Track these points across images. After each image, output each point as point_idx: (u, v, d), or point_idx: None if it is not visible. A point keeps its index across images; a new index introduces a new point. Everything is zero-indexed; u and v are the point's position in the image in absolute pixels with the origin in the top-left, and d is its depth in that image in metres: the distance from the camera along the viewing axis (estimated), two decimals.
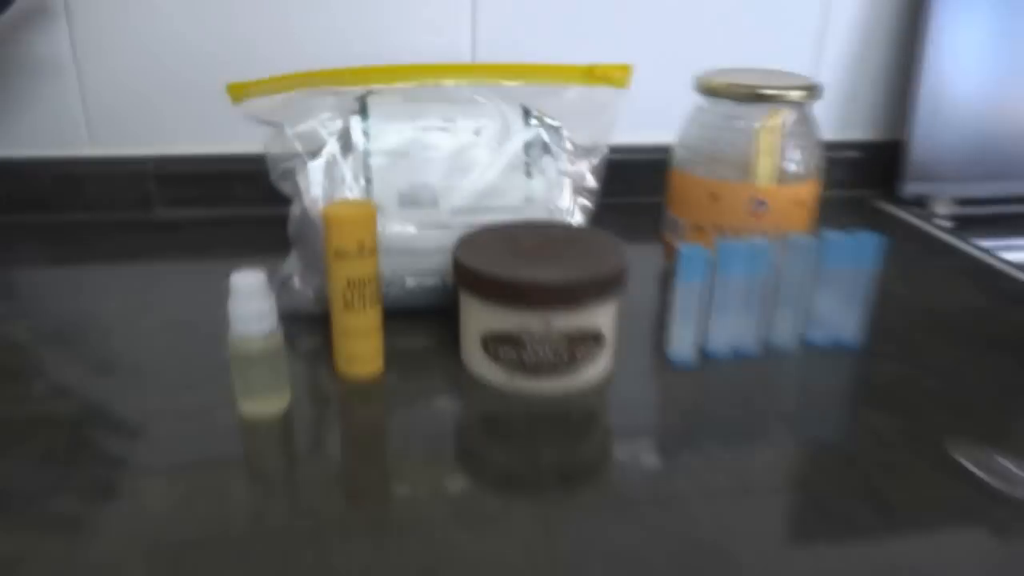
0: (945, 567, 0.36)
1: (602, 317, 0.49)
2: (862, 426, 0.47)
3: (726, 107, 0.60)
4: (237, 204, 0.77)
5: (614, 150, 0.62)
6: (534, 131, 0.57)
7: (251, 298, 0.43)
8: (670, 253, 0.67)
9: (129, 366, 0.51)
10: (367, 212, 0.47)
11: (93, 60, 0.72)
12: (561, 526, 0.38)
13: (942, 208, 0.85)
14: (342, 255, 0.47)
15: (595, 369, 0.50)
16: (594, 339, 0.49)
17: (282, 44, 0.74)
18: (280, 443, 0.44)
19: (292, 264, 0.56)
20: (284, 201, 0.60)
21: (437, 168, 0.54)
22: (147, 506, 0.39)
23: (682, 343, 0.53)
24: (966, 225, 0.82)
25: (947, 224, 0.82)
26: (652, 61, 0.75)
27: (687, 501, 0.40)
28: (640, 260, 0.64)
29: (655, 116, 0.72)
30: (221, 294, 0.44)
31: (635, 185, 0.77)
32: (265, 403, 0.46)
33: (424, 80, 0.55)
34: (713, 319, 0.53)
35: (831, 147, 0.85)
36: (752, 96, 0.59)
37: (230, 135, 0.75)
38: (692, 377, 0.52)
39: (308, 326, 0.55)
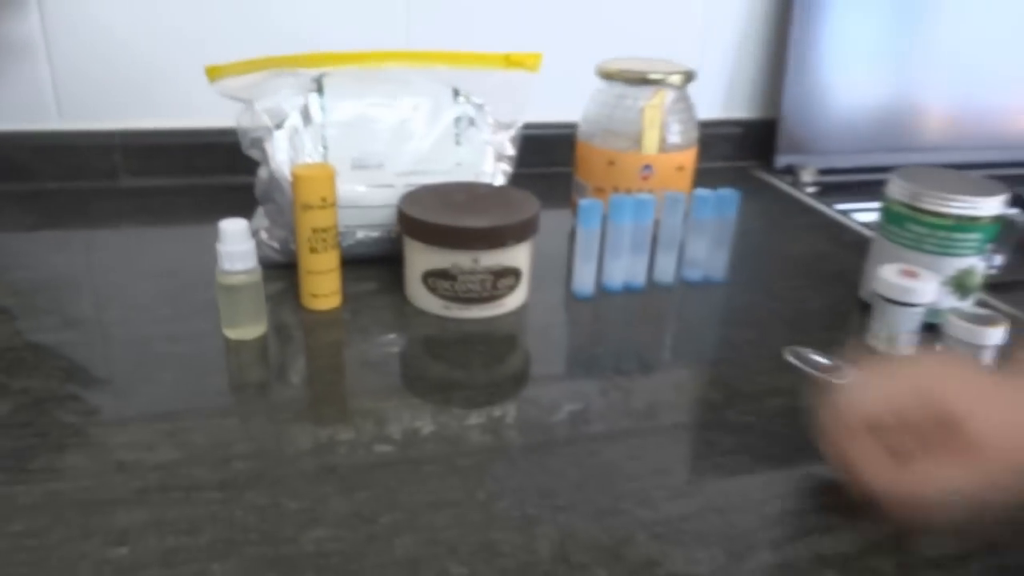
0: (767, 426, 0.50)
1: (520, 256, 0.61)
2: (721, 339, 0.61)
3: (619, 89, 0.73)
4: (198, 174, 0.86)
5: (531, 126, 0.74)
6: (462, 107, 0.68)
7: (237, 239, 0.53)
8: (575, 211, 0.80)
9: (124, 304, 0.61)
10: (327, 172, 0.58)
11: (62, 40, 0.80)
12: (485, 427, 0.50)
13: (808, 176, 1.00)
14: (308, 207, 0.57)
15: (514, 299, 0.63)
16: (513, 274, 0.61)
17: (243, 25, 0.83)
18: (259, 361, 0.55)
19: (259, 220, 0.67)
20: (240, 171, 0.70)
21: (382, 137, 0.65)
22: (148, 405, 0.49)
23: (584, 279, 0.66)
24: (828, 191, 0.98)
25: (811, 190, 0.98)
26: (561, 50, 0.87)
27: (588, 401, 0.53)
28: (553, 218, 0.77)
29: (564, 97, 0.85)
30: (192, 250, 0.54)
31: (550, 157, 0.89)
32: (247, 330, 0.56)
33: (370, 64, 0.66)
34: (608, 260, 0.66)
35: (716, 124, 1.00)
36: (640, 80, 0.73)
37: (192, 110, 0.84)
38: (592, 306, 0.65)
39: (274, 273, 0.65)
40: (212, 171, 0.86)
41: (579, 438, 0.48)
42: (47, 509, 0.40)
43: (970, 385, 0.37)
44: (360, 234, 0.66)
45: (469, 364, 0.55)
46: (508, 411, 0.50)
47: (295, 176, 0.57)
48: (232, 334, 0.56)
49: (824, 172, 1.01)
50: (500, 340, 0.59)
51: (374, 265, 0.68)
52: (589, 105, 0.76)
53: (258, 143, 0.64)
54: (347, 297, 0.63)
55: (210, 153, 0.86)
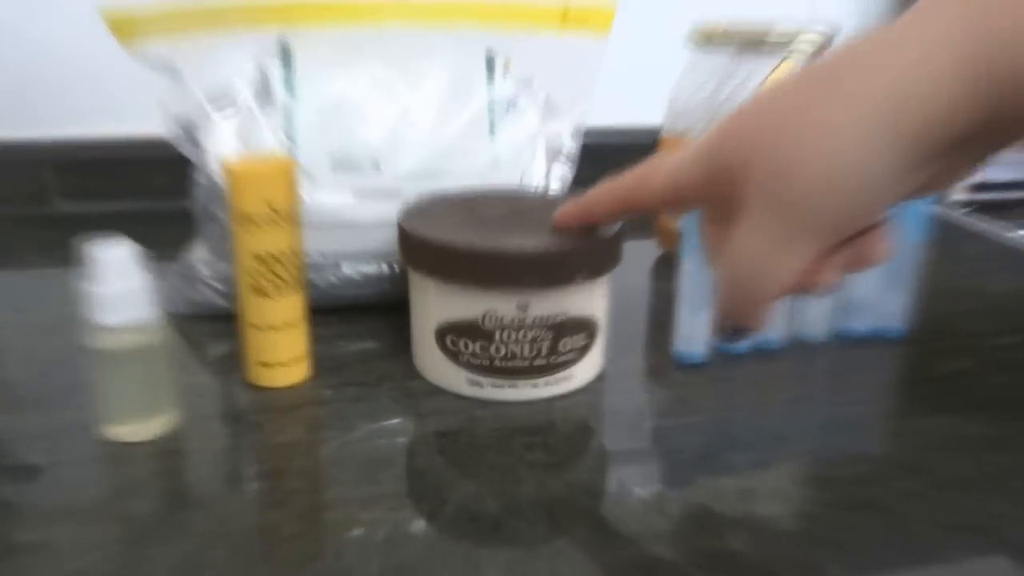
0: None
1: (594, 301, 0.38)
2: (914, 431, 0.36)
3: (727, 59, 0.51)
4: (155, 196, 0.65)
5: (591, 133, 0.52)
6: (499, 84, 0.46)
7: (119, 273, 0.31)
8: (666, 238, 0.57)
9: None
10: (281, 167, 0.35)
11: None
12: None
13: (958, 193, 0.76)
14: (248, 221, 0.35)
15: (584, 371, 0.39)
16: (585, 329, 0.38)
17: None
18: (159, 478, 0.32)
19: (197, 251, 0.45)
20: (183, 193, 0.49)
21: (379, 126, 0.43)
22: None
23: (692, 336, 0.42)
24: (986, 210, 0.74)
25: (964, 210, 0.73)
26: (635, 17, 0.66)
27: (720, 538, 0.29)
28: (630, 253, 0.54)
29: (635, 87, 0.62)
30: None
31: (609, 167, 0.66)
32: (139, 425, 0.34)
33: (360, 19, 0.45)
34: None
35: None
36: (757, 44, 0.50)
37: (146, 114, 0.64)
38: (708, 378, 0.41)
39: (218, 327, 0.43)
40: (175, 193, 0.64)
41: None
42: None
43: (762, 111, 0.27)
44: (346, 268, 0.44)
45: (514, 479, 0.32)
46: (581, 543, 0.27)
47: (228, 175, 0.35)
48: (116, 432, 0.34)
49: (976, 188, 0.77)
50: (563, 439, 0.35)
51: (367, 316, 0.45)
52: (681, 85, 0.54)
53: (191, 134, 0.42)
54: (324, 364, 0.40)
55: (173, 169, 0.64)
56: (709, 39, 0.52)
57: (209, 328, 0.44)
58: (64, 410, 0.36)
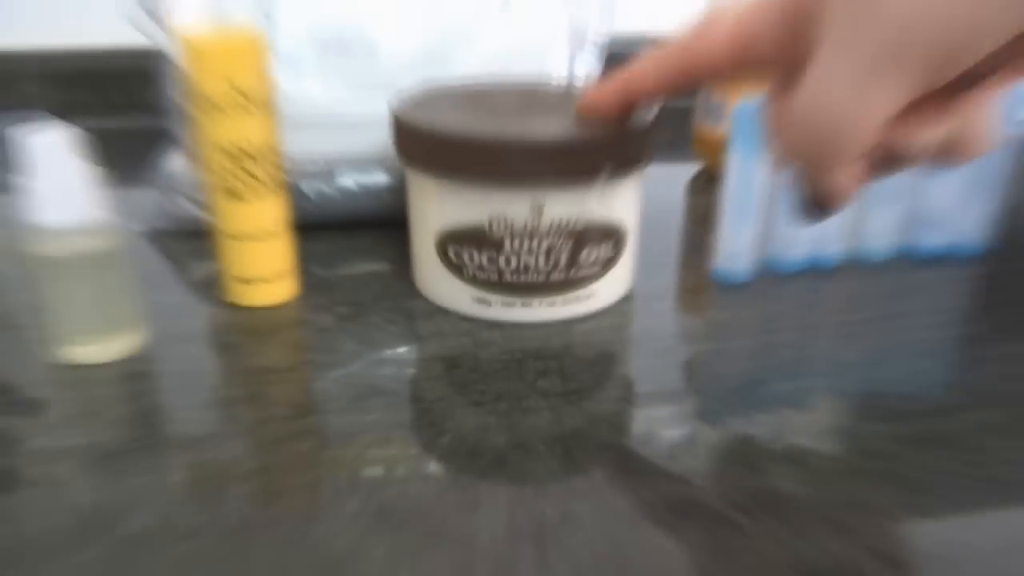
0: None
1: (623, 205, 0.32)
2: (991, 359, 0.31)
3: None
4: (114, 114, 0.60)
5: (619, 43, 0.45)
6: None
7: (56, 164, 0.26)
8: (706, 150, 0.50)
9: None
10: (249, 41, 0.30)
11: None
12: (561, 534, 0.22)
13: None
14: (212, 107, 0.30)
15: (611, 288, 0.34)
16: (612, 238, 0.32)
17: None
18: (119, 404, 0.28)
19: (174, 159, 0.40)
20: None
21: (374, 3, 0.37)
22: None
23: (736, 251, 0.36)
24: None
25: None
26: None
27: (747, 475, 0.24)
28: (663, 170, 0.48)
29: None
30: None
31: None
32: (95, 345, 0.29)
33: None
34: (782, 216, 0.36)
35: None
36: None
37: (100, 19, 0.58)
38: (749, 300, 0.35)
39: (202, 245, 0.38)
40: (136, 109, 0.59)
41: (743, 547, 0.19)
42: None
43: None
44: (340, 176, 0.38)
45: (524, 409, 0.27)
46: (605, 504, 0.22)
47: (186, 49, 0.30)
48: (69, 353, 0.29)
49: None
50: (583, 366, 0.30)
51: (362, 233, 0.40)
52: None
53: (151, 8, 0.37)
54: (312, 285, 0.35)
55: (134, 82, 0.59)
56: None
57: (191, 246, 0.39)
58: (8, 330, 0.32)
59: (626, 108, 0.29)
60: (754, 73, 0.26)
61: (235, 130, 0.30)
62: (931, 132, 0.23)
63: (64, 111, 0.59)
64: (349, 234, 0.40)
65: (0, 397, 0.28)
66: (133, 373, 0.29)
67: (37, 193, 0.27)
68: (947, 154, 0.24)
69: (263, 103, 0.30)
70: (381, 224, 0.40)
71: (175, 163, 0.40)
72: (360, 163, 0.38)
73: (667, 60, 0.27)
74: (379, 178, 0.39)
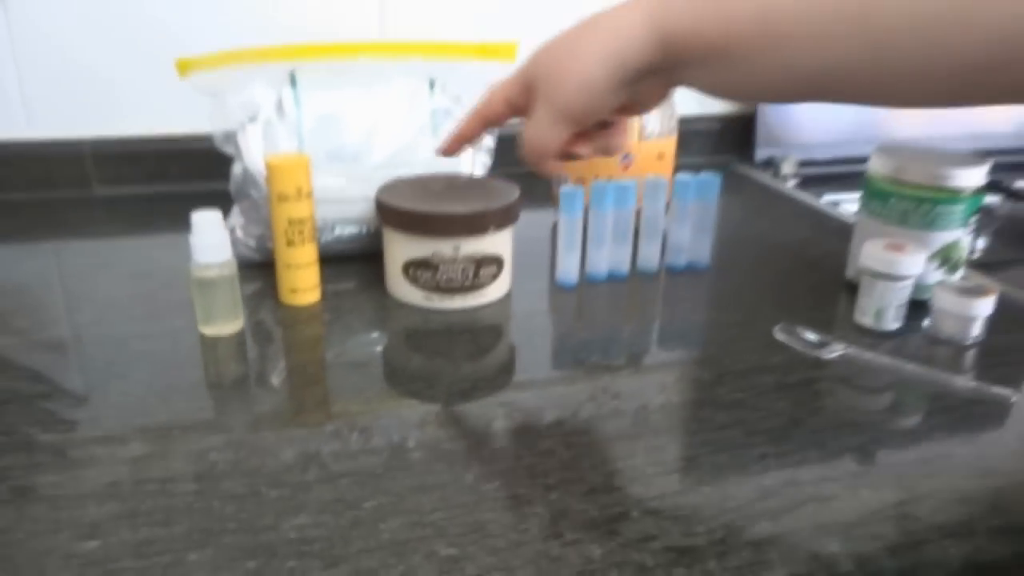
0: (758, 402, 0.49)
1: (501, 244, 0.60)
2: (710, 322, 0.60)
3: None
4: (170, 181, 0.84)
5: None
6: (438, 99, 0.68)
7: (210, 230, 0.52)
8: (558, 204, 0.79)
9: (97, 305, 0.59)
10: (303, 161, 0.56)
11: (29, 44, 0.79)
12: (471, 415, 0.49)
13: (788, 168, 1.00)
14: (284, 198, 0.56)
15: (497, 289, 0.61)
16: (495, 262, 0.60)
17: (213, 24, 0.82)
18: (237, 356, 0.53)
19: (235, 218, 0.65)
20: (213, 177, 0.69)
21: (358, 130, 0.64)
22: (120, 401, 0.47)
23: (568, 268, 0.65)
24: (808, 182, 0.98)
25: (792, 181, 0.98)
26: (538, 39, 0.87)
27: (577, 386, 0.52)
28: (534, 214, 0.76)
29: None
30: (165, 254, 0.52)
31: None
32: (223, 326, 0.55)
33: (344, 56, 0.65)
34: (591, 248, 0.65)
35: (694, 120, 1.00)
36: None
37: (163, 117, 0.83)
38: (577, 295, 0.64)
39: (250, 272, 0.64)
40: (184, 177, 0.84)
41: (568, 420, 0.47)
42: (13, 505, 0.38)
43: (551, 45, 0.45)
44: (338, 229, 0.65)
45: (453, 355, 0.54)
46: (495, 399, 0.49)
47: (269, 166, 0.56)
48: (208, 330, 0.55)
49: (804, 164, 1.01)
50: (484, 330, 0.58)
51: (353, 262, 0.67)
52: None
53: (231, 138, 0.63)
54: (326, 294, 0.62)
55: (182, 160, 0.84)
56: None
57: (244, 272, 0.64)
58: (170, 319, 0.57)
59: (461, 147, 0.52)
60: (515, 115, 0.49)
61: (293, 209, 0.56)
62: (589, 143, 0.48)
63: (157, 179, 0.83)
64: (343, 263, 0.66)
65: (175, 354, 0.53)
66: (240, 342, 0.55)
67: (196, 244, 0.52)
68: (601, 153, 0.50)
69: (307, 193, 0.57)
70: (361, 257, 0.67)
71: (234, 220, 0.65)
72: (349, 222, 0.65)
73: (474, 115, 0.50)
74: (359, 231, 0.65)
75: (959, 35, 0.33)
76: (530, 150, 0.47)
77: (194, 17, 0.81)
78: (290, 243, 0.57)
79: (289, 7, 0.84)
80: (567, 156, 0.49)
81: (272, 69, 0.64)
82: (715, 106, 1.04)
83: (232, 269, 0.54)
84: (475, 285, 0.60)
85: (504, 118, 0.50)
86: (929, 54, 0.34)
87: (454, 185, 0.63)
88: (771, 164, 1.01)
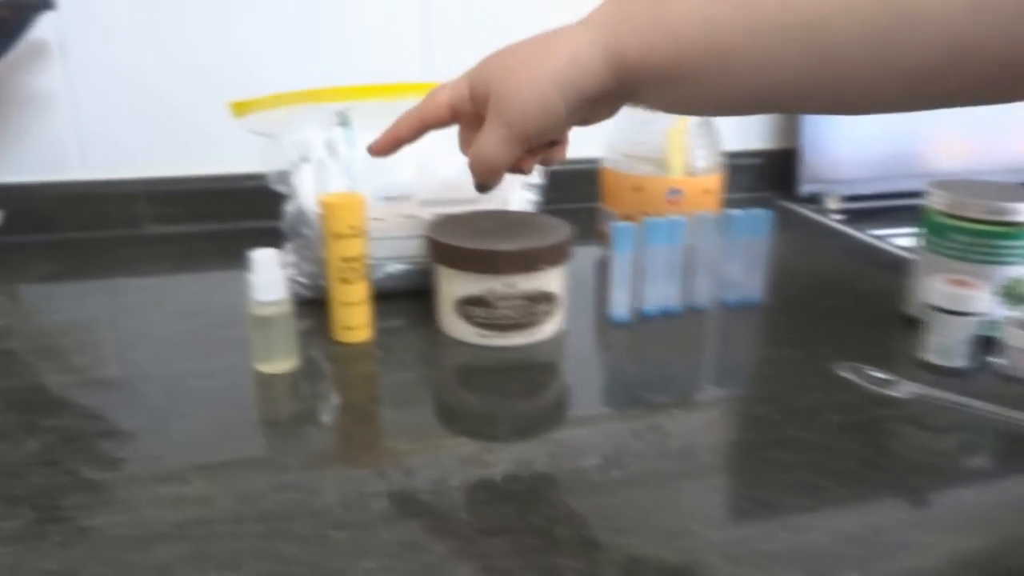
0: (832, 448, 0.48)
1: (555, 281, 0.60)
2: (768, 359, 0.59)
3: (643, 114, 0.73)
4: (221, 219, 0.85)
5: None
6: None
7: (269, 268, 0.52)
8: (605, 241, 0.79)
9: (153, 343, 0.59)
10: (357, 200, 0.57)
11: (85, 90, 0.81)
12: (532, 456, 0.48)
13: (833, 203, 0.99)
14: (338, 236, 0.56)
15: (551, 326, 0.61)
16: (549, 299, 0.60)
17: (263, 69, 0.83)
18: (293, 394, 0.53)
19: (287, 256, 0.66)
20: (263, 215, 0.70)
21: (408, 168, 0.65)
22: (182, 439, 0.47)
23: (620, 305, 0.64)
24: (855, 217, 0.97)
25: (838, 216, 0.97)
26: None
27: (639, 424, 0.51)
28: (582, 251, 0.76)
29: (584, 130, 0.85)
30: (218, 291, 0.53)
31: (573, 193, 0.88)
32: (279, 363, 0.55)
33: (393, 96, 0.66)
34: (643, 285, 0.65)
35: (736, 156, 0.99)
36: None
37: (214, 157, 0.84)
38: (630, 331, 0.63)
39: (303, 309, 0.64)
40: (235, 216, 0.85)
41: (630, 459, 0.45)
42: (81, 547, 0.38)
43: (502, 59, 0.46)
44: (389, 267, 0.65)
45: (508, 393, 0.53)
46: (554, 437, 0.48)
47: (324, 205, 0.56)
48: (265, 368, 0.55)
49: (848, 199, 1.00)
50: (538, 368, 0.57)
51: (404, 300, 0.66)
52: (613, 132, 0.76)
53: (285, 177, 0.63)
54: (379, 331, 0.61)
55: (233, 198, 0.85)
56: None
57: (296, 310, 0.64)
58: (225, 357, 0.57)
59: (395, 147, 0.52)
60: (458, 121, 0.50)
61: (347, 248, 0.56)
62: (534, 158, 0.51)
63: (208, 217, 0.85)
64: (394, 300, 0.66)
65: (233, 391, 0.53)
66: (295, 378, 0.55)
67: (254, 282, 0.52)
68: (545, 164, 0.53)
69: (361, 231, 0.57)
70: (412, 294, 0.67)
71: (286, 258, 0.65)
72: (400, 260, 0.65)
73: (412, 116, 0.51)
74: (409, 268, 0.66)
75: (909, 42, 0.32)
76: (480, 165, 0.48)
77: (244, 60, 0.83)
78: (344, 281, 0.58)
79: (336, 50, 0.85)
80: (514, 171, 0.50)
81: (323, 110, 0.65)
82: (755, 142, 1.04)
83: (289, 307, 0.54)
84: (529, 322, 0.59)
85: (444, 123, 0.51)
86: (880, 62, 0.33)
87: (505, 222, 0.63)
88: (815, 199, 1.00)
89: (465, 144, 0.51)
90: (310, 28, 0.84)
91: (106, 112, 0.82)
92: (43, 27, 0.76)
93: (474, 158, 0.48)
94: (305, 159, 0.63)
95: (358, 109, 0.66)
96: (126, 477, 0.43)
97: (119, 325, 0.63)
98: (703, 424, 0.49)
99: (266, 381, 0.54)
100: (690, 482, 0.43)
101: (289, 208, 0.65)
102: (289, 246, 0.66)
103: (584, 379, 0.56)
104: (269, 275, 0.52)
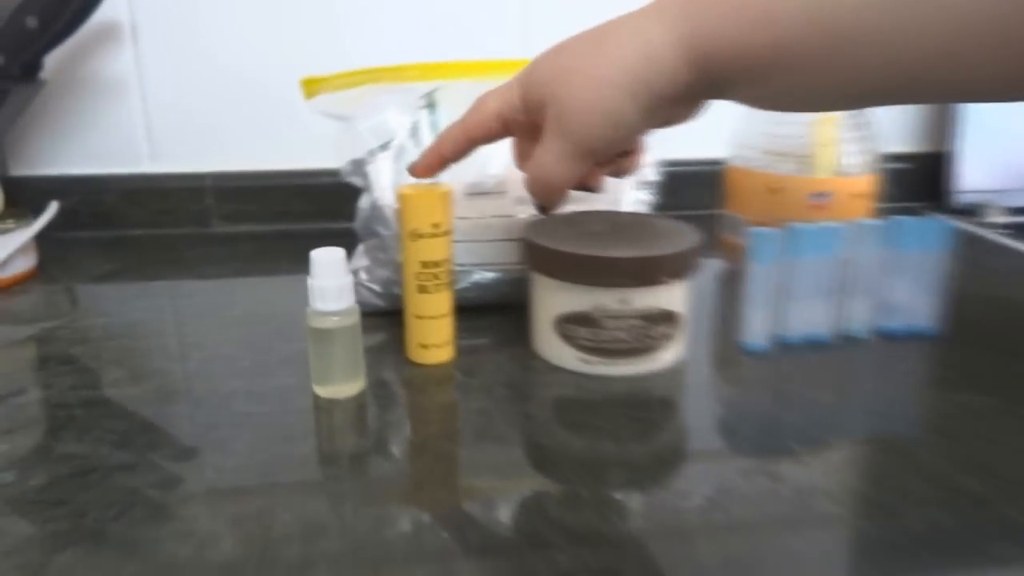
0: None
1: (677, 298, 0.48)
2: (953, 405, 0.46)
3: None
4: (294, 219, 0.78)
5: (669, 165, 0.62)
6: None
7: (332, 272, 0.43)
8: (731, 253, 0.67)
9: (203, 354, 0.51)
10: (441, 192, 0.47)
11: (156, 79, 0.75)
12: (645, 510, 0.37)
13: (996, 216, 0.84)
14: (417, 236, 0.47)
15: (670, 353, 0.49)
16: (670, 320, 0.48)
17: (341, 52, 0.75)
18: (355, 425, 0.44)
19: (359, 259, 0.57)
20: (340, 216, 0.61)
21: (502, 160, 0.54)
22: (222, 477, 0.38)
23: (755, 329, 0.52)
24: (1021, 231, 0.81)
25: (1004, 231, 0.81)
26: None
27: (782, 482, 0.39)
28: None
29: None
30: (285, 298, 0.44)
31: (682, 198, 0.77)
32: (341, 387, 0.45)
33: (487, 75, 0.56)
34: (785, 306, 0.52)
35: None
36: None
37: (287, 152, 0.77)
38: (769, 363, 0.51)
39: (374, 321, 0.55)
40: (311, 216, 0.78)
41: (765, 526, 0.34)
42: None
43: (557, 58, 0.39)
44: (476, 274, 0.55)
45: (617, 434, 0.42)
46: (671, 487, 0.37)
47: (401, 197, 0.47)
48: (323, 392, 0.45)
49: (1014, 211, 0.85)
50: (654, 403, 0.46)
51: (493, 314, 0.56)
52: (743, 124, 0.64)
53: (359, 167, 0.54)
54: (462, 350, 0.51)
55: (307, 196, 0.78)
56: None
57: (366, 321, 0.55)
58: (281, 377, 0.48)
59: (438, 167, 0.46)
60: (510, 134, 0.43)
61: (428, 250, 0.47)
62: (602, 172, 0.45)
63: (280, 217, 0.78)
64: (481, 314, 0.56)
65: (283, 419, 0.44)
66: (359, 406, 0.45)
67: (314, 288, 0.43)
68: (616, 175, 0.47)
69: (445, 231, 0.47)
70: (501, 308, 0.56)
71: (358, 262, 0.56)
72: (490, 266, 0.55)
73: (456, 131, 0.44)
74: (500, 276, 0.55)
75: None
76: (540, 185, 0.42)
77: (320, 43, 0.75)
78: (422, 290, 0.48)
79: (424, 25, 0.76)
80: (579, 189, 0.45)
81: (406, 90, 0.56)
82: (898, 144, 0.90)
83: (355, 319, 0.45)
84: (644, 347, 0.48)
85: (494, 137, 0.44)
86: None
87: (618, 225, 0.52)
88: (972, 211, 0.85)
89: (521, 158, 0.45)
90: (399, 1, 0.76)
91: (178, 101, 0.76)
92: (114, 6, 0.70)
93: (533, 177, 0.42)
94: (384, 146, 0.54)
95: (447, 90, 0.56)
96: (157, 518, 0.34)
97: (170, 332, 0.56)
98: (872, 489, 0.37)
99: (325, 408, 0.45)
100: (862, 563, 0.31)
101: (363, 203, 0.56)
102: (361, 248, 0.57)
103: (709, 420, 0.44)
104: (331, 279, 0.43)
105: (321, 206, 0.77)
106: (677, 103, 0.38)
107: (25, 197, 0.71)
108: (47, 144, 0.75)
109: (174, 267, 0.69)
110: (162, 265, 0.69)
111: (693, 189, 0.75)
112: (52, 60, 0.69)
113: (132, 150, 0.76)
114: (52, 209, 0.67)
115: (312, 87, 0.54)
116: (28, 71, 0.67)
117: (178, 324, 0.57)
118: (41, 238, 0.67)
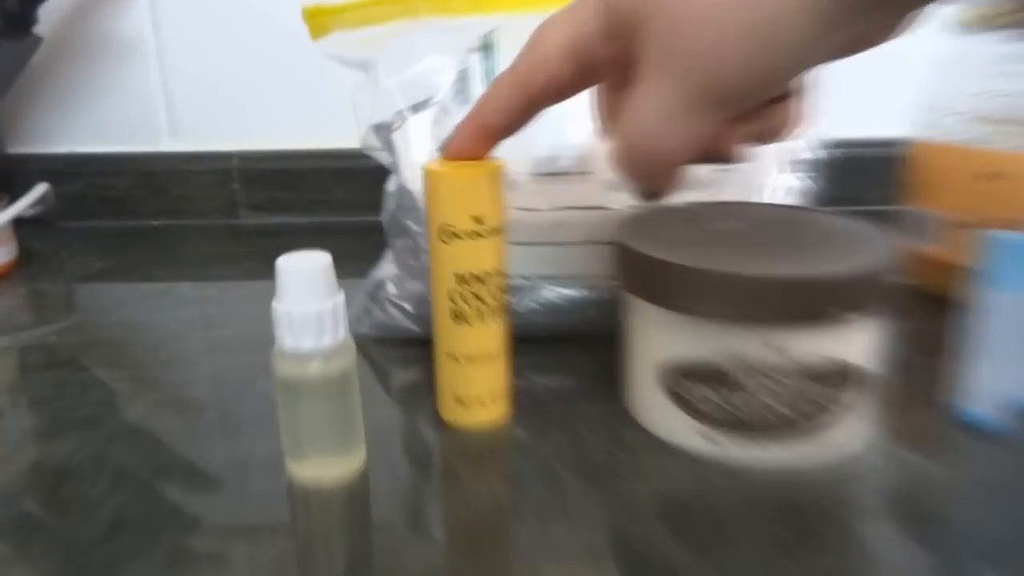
0: None
1: (860, 344, 0.30)
2: None
3: (1004, 43, 0.41)
4: (336, 210, 0.63)
5: (841, 145, 0.43)
6: None
7: (308, 291, 0.27)
8: (922, 269, 0.47)
9: (159, 396, 0.37)
10: (490, 170, 0.30)
11: (176, 39, 0.62)
12: None
13: None
14: (450, 235, 0.30)
15: (848, 431, 0.31)
16: (847, 378, 0.30)
17: None
18: (344, 528, 0.28)
19: (385, 267, 0.41)
20: None
21: (584, 126, 0.37)
22: None
23: (987, 392, 0.33)
24: None
25: None
26: None
27: None
28: None
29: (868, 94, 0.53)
30: None
31: (846, 189, 0.57)
32: (324, 464, 0.30)
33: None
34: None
35: None
36: None
37: (328, 127, 0.63)
38: (1007, 449, 0.32)
39: (405, 353, 0.39)
40: (353, 207, 0.63)
41: None
42: None
43: None
44: (545, 292, 0.38)
45: (756, 554, 0.25)
46: None
47: (427, 176, 0.30)
48: (300, 470, 0.30)
49: None
50: (822, 513, 0.28)
51: (567, 348, 0.39)
52: (942, 80, 0.44)
53: (384, 135, 0.38)
54: (521, 401, 0.35)
55: (352, 181, 0.63)
56: (985, 19, 0.42)
57: (395, 353, 0.39)
58: (247, 441, 0.33)
59: (486, 145, 0.30)
60: (591, 81, 0.28)
61: (470, 257, 0.30)
62: (745, 130, 0.27)
63: (316, 206, 0.64)
64: (551, 348, 0.39)
65: (241, 510, 0.28)
66: (353, 498, 0.29)
67: (284, 317, 0.28)
68: (760, 140, 0.29)
69: (497, 229, 0.31)
70: (581, 341, 0.40)
71: (386, 270, 0.41)
72: (565, 279, 0.38)
73: (509, 84, 0.28)
74: (583, 294, 0.38)
75: None
76: (640, 156, 0.26)
77: None
78: (458, 317, 0.31)
79: None
80: (704, 161, 0.28)
81: (452, 28, 0.39)
82: None
83: (346, 363, 0.29)
84: (807, 420, 0.30)
85: (566, 89, 0.28)
86: None
87: (764, 224, 0.34)
88: None
89: (609, 117, 0.28)
90: None
91: (201, 65, 0.63)
92: None
93: (629, 143, 0.26)
94: (418, 106, 0.38)
95: (509, 28, 0.40)
96: None
97: (150, 351, 0.42)
98: None
99: (300, 500, 0.29)
100: None
101: (390, 187, 0.40)
102: (389, 251, 0.41)
103: (917, 545, 0.26)
104: (309, 303, 0.28)
105: (368, 195, 0.62)
106: (872, 5, 0.21)
107: (22, 180, 0.59)
108: (50, 117, 0.64)
109: (183, 266, 0.56)
110: (162, 264, 0.56)
111: (859, 177, 0.55)
112: (54, 17, 0.58)
113: (150, 124, 0.64)
114: (37, 191, 0.55)
115: (321, 20, 0.38)
116: (15, 23, 0.55)
117: (166, 339, 0.43)
118: (33, 228, 0.55)
